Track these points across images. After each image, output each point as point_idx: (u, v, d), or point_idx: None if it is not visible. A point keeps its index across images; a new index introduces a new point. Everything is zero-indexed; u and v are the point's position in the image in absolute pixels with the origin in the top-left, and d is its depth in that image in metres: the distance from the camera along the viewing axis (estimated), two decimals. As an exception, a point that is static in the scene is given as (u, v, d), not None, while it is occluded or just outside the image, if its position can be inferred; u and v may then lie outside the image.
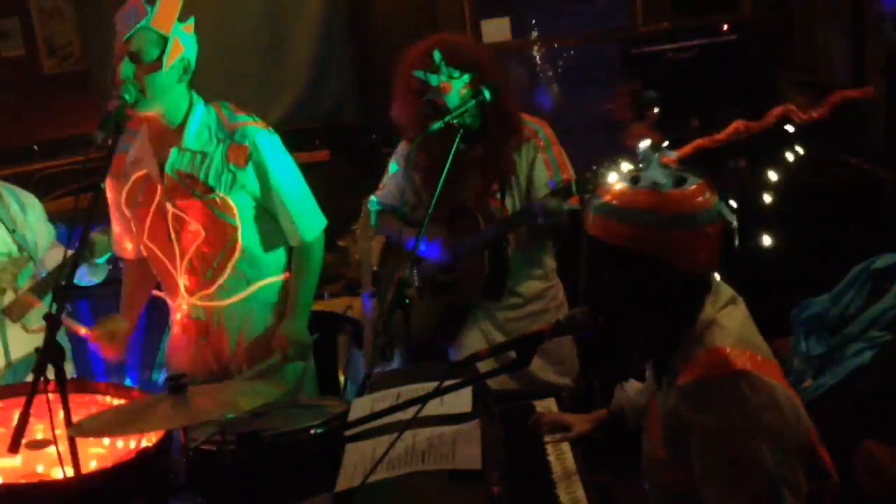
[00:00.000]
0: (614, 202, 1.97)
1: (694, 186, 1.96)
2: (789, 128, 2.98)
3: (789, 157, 3.41)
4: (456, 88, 3.03)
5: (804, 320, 2.93)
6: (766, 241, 3.43)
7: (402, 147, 3.35)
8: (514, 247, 3.17)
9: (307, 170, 5.02)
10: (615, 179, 2.04)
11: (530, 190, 3.14)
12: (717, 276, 2.06)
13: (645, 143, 2.10)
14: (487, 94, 3.03)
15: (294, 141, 5.71)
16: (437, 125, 3.00)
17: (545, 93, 5.61)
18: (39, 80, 6.25)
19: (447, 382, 2.12)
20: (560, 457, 2.46)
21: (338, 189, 5.36)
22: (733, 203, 2.04)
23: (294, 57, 5.63)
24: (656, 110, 3.78)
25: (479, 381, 2.32)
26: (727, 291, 2.06)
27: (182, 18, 2.79)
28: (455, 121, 3.03)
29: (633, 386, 2.49)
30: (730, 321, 1.98)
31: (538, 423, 2.58)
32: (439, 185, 2.94)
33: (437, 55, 3.02)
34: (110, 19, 2.85)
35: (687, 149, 2.66)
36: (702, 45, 3.98)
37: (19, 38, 6.25)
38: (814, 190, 3.59)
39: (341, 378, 4.41)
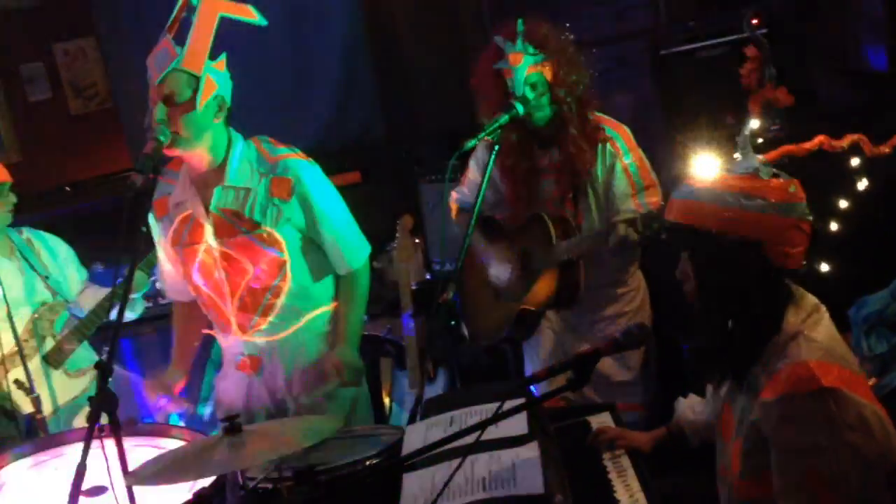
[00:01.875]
0: (712, 186, 1.94)
1: (790, 181, 1.96)
2: (856, 160, 2.97)
3: (860, 186, 3.39)
4: (525, 64, 2.98)
5: (863, 319, 2.85)
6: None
7: (480, 147, 3.28)
8: (589, 262, 3.10)
9: (339, 193, 5.00)
10: (703, 169, 2.00)
11: (609, 199, 3.09)
12: (799, 287, 2.01)
13: (748, 126, 2.08)
14: (520, 109, 3.01)
15: (324, 165, 5.74)
16: (470, 143, 2.98)
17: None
18: (67, 121, 6.31)
19: (506, 406, 2.07)
20: (621, 474, 2.40)
21: (370, 210, 5.35)
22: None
23: (319, 82, 5.65)
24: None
25: (539, 403, 2.27)
26: (810, 300, 2.01)
27: (213, 56, 2.76)
28: (489, 137, 3.02)
29: (691, 401, 2.43)
30: (817, 333, 1.93)
31: (598, 440, 2.52)
32: (480, 197, 2.92)
33: (520, 24, 3.02)
34: (133, 57, 2.83)
35: (775, 153, 2.66)
36: (732, 41, 3.92)
37: (45, 82, 6.31)
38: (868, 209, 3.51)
39: (386, 401, 4.39)
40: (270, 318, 2.93)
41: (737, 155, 2.07)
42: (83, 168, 6.22)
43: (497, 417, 2.07)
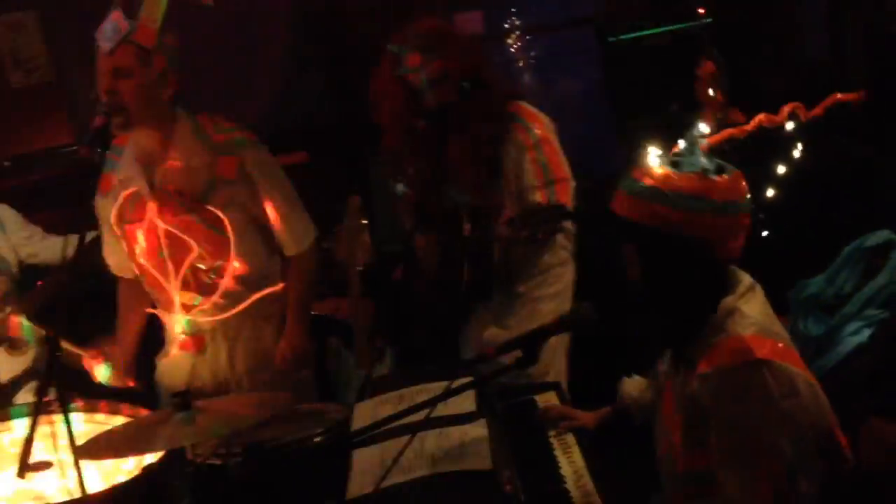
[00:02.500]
0: (660, 186, 1.97)
1: (734, 175, 2.00)
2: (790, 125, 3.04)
3: (796, 153, 3.48)
4: (423, 65, 2.98)
5: (801, 301, 2.95)
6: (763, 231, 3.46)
7: None
8: (500, 254, 3.12)
9: (286, 173, 4.95)
10: (653, 162, 2.04)
11: (519, 191, 3.06)
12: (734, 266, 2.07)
13: (697, 129, 2.12)
14: (467, 88, 3.01)
15: (271, 144, 5.68)
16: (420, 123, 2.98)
17: (520, 83, 5.58)
18: (7, 94, 6.16)
19: (455, 384, 2.10)
20: (566, 451, 2.45)
21: (317, 190, 5.33)
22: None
23: (266, 59, 5.58)
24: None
25: (489, 381, 2.31)
26: (746, 278, 2.07)
27: (164, 30, 2.73)
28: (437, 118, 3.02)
29: (636, 381, 2.50)
30: (751, 309, 1.99)
31: (545, 417, 2.58)
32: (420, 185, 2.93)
33: (410, 29, 3.03)
34: (77, 30, 2.78)
35: (718, 137, 2.71)
36: (678, 29, 3.98)
37: (-17, 54, 6.14)
38: (805, 175, 3.61)
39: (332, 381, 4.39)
40: (214, 299, 2.90)
41: (680, 145, 2.10)
42: (23, 142, 6.07)
43: (446, 395, 2.10)
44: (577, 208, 3.20)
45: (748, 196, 2.02)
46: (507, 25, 5.72)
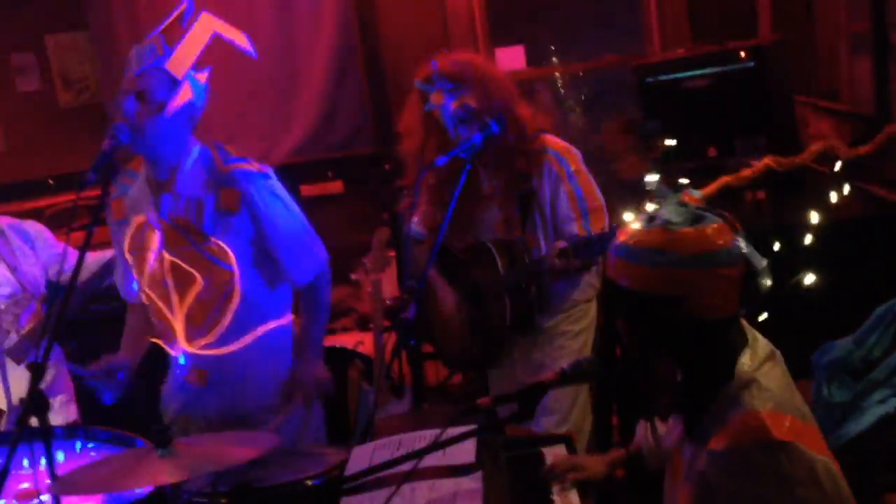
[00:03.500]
0: (629, 242, 1.88)
1: (712, 225, 1.86)
2: (838, 165, 2.85)
3: (833, 196, 3.30)
4: (449, 101, 2.98)
5: (825, 365, 2.77)
6: (809, 279, 3.27)
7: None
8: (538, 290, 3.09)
9: (321, 202, 4.95)
10: (632, 219, 1.94)
11: (556, 223, 3.06)
12: (753, 331, 1.94)
13: (652, 179, 2.00)
14: (496, 128, 2.97)
15: (307, 173, 5.69)
16: (440, 161, 2.93)
17: (566, 120, 5.52)
18: (56, 113, 6.25)
19: (448, 434, 2.01)
20: (568, 506, 2.33)
21: (351, 221, 5.32)
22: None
23: (307, 88, 5.60)
24: (664, 142, 3.65)
25: (479, 434, 2.20)
26: (765, 346, 1.94)
27: (198, 66, 2.70)
28: (462, 155, 2.96)
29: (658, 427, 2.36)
30: (770, 381, 1.86)
31: (550, 472, 2.45)
32: (445, 224, 2.87)
33: (433, 64, 3.02)
34: (122, 53, 2.76)
35: (712, 187, 2.57)
36: (719, 73, 3.87)
37: (36, 73, 6.26)
38: (844, 226, 3.43)
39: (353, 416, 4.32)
40: (218, 331, 2.84)
41: (652, 206, 1.99)
42: (68, 161, 6.15)
43: (438, 445, 2.01)
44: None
45: (733, 246, 1.85)
46: (553, 60, 5.67)
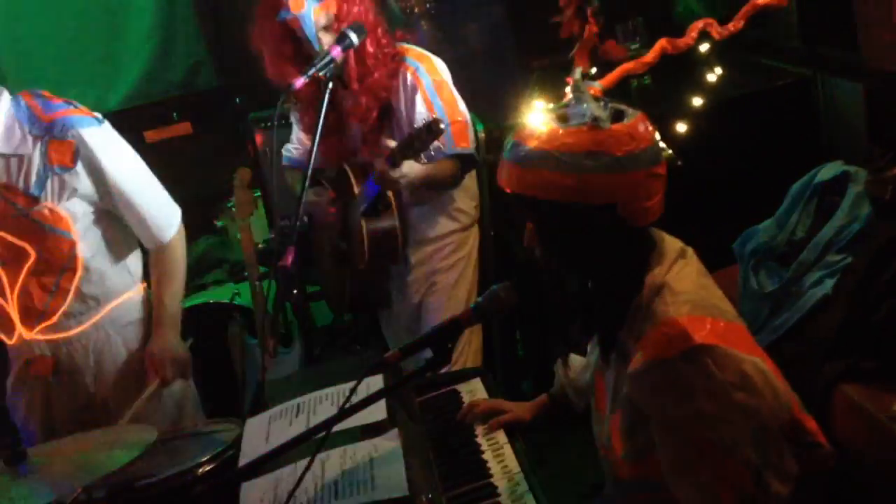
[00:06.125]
0: (546, 147, 1.62)
1: (635, 119, 1.65)
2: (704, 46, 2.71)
3: (711, 77, 3.14)
4: (309, 8, 2.71)
5: (749, 253, 2.60)
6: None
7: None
8: (399, 211, 2.87)
9: (168, 147, 4.48)
10: (537, 120, 1.67)
11: None
12: (659, 231, 1.74)
13: (576, 73, 1.75)
14: (355, 39, 2.69)
15: (149, 117, 5.20)
16: (299, 82, 2.60)
17: (417, 30, 5.21)
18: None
19: (353, 400, 1.74)
20: (497, 453, 2.10)
21: (205, 163, 4.91)
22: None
23: (135, 25, 5.09)
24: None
25: (392, 391, 1.95)
26: (673, 243, 1.74)
27: None
28: (321, 73, 2.64)
29: (575, 362, 2.15)
30: (682, 282, 1.66)
31: (470, 415, 2.21)
32: (315, 144, 2.57)
33: None
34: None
35: (613, 76, 2.35)
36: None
37: None
38: (736, 103, 3.28)
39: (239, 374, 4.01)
40: (61, 311, 2.52)
41: (568, 95, 1.75)
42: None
43: (346, 413, 1.74)
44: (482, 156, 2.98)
45: (657, 141, 1.67)
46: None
